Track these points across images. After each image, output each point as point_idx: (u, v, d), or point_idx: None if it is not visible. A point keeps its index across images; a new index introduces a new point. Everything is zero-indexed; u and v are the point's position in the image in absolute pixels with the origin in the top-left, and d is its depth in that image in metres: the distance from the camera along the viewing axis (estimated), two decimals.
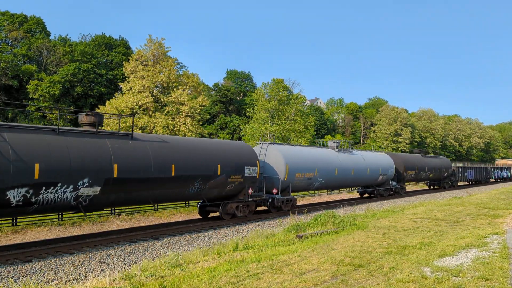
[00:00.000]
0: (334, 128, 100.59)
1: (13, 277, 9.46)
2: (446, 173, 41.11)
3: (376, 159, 29.17)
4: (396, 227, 14.13)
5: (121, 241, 13.28)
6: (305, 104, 65.86)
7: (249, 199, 17.73)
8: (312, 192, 27.35)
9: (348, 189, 33.43)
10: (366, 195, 31.71)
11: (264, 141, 45.95)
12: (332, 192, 34.23)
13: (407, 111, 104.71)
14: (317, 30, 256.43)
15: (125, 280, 8.29)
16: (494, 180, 61.74)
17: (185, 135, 36.53)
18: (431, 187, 43.88)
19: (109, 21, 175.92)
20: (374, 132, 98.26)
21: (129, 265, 10.88)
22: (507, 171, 65.34)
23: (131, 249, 12.39)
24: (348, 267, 8.51)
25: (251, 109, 49.83)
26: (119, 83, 43.15)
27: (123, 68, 40.33)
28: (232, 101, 67.77)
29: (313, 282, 7.46)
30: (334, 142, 26.42)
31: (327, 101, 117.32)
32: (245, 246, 11.82)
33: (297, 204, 22.86)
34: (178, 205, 17.05)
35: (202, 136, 43.29)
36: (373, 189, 30.24)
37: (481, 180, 52.54)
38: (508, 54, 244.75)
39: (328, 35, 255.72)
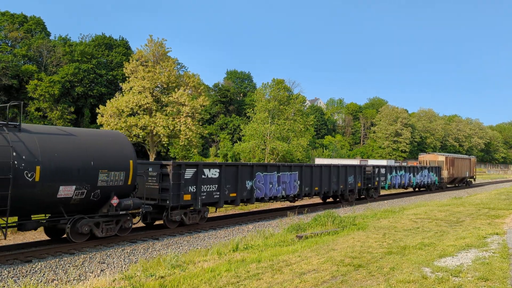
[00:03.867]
0: (334, 128, 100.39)
1: (13, 277, 9.46)
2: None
3: None
4: (396, 227, 14.13)
5: (121, 241, 13.27)
6: (305, 104, 65.84)
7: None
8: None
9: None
10: None
11: (264, 141, 45.87)
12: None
13: (407, 111, 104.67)
14: (317, 30, 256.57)
15: (125, 280, 8.29)
16: (398, 191, 34.25)
17: (186, 135, 36.64)
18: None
19: (109, 21, 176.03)
20: (374, 132, 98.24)
21: (129, 265, 10.87)
22: (432, 174, 35.40)
23: (131, 249, 12.39)
24: (348, 267, 8.51)
25: (251, 109, 49.82)
26: (120, 83, 43.14)
27: (123, 68, 40.32)
28: (232, 101, 67.76)
29: (313, 282, 7.46)
30: None
31: (327, 101, 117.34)
32: (245, 246, 11.81)
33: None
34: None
35: (202, 136, 43.29)
36: None
37: (328, 193, 23.04)
38: (509, 54, 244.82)
39: (328, 35, 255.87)
